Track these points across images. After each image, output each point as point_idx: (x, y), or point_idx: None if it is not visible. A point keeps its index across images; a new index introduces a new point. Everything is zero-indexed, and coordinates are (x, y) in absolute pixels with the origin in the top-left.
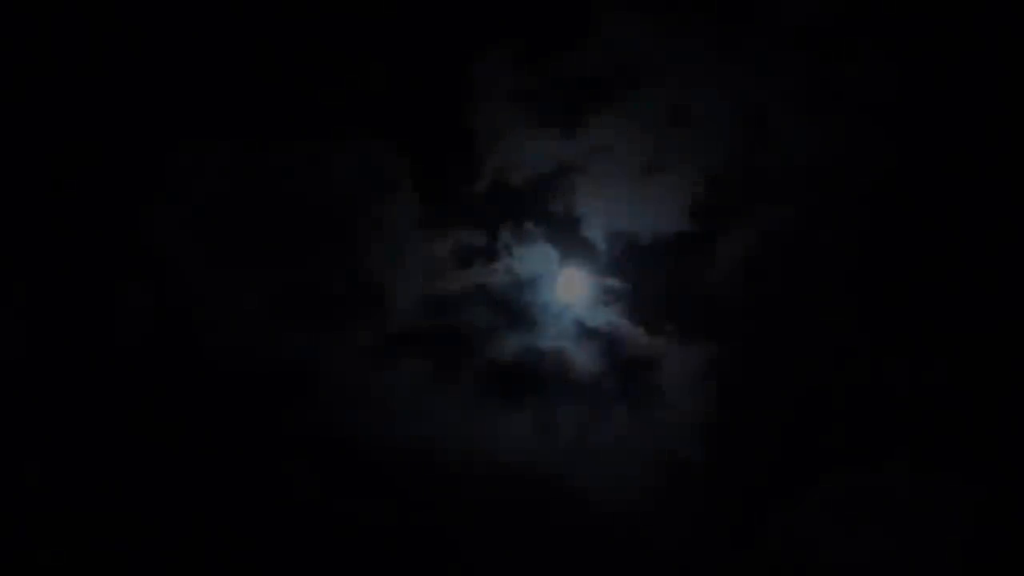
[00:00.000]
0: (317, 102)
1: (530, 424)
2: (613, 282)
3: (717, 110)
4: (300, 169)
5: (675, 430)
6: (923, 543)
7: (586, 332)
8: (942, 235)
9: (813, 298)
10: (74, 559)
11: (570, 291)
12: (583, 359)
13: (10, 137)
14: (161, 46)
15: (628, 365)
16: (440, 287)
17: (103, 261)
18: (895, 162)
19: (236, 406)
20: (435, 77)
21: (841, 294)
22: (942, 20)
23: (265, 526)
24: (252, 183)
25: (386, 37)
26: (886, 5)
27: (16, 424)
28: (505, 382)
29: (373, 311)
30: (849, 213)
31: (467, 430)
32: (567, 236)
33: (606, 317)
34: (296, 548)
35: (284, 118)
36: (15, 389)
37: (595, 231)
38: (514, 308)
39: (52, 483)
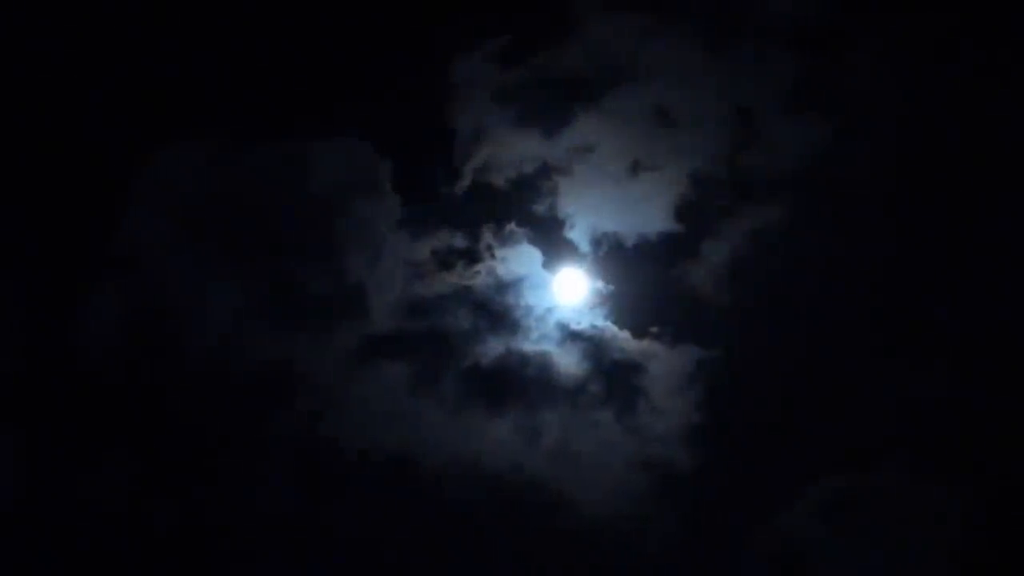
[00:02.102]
0: (296, 102)
1: (513, 429)
2: (598, 284)
3: (702, 110)
4: (279, 169)
5: (661, 434)
6: (913, 548)
7: (570, 335)
8: (933, 236)
9: (801, 300)
10: (54, 560)
11: (554, 293)
12: (567, 362)
13: None
14: (141, 47)
15: (613, 368)
16: (421, 289)
17: (81, 262)
18: (882, 162)
19: (214, 409)
20: (416, 76)
21: (829, 296)
22: (932, 21)
23: (244, 530)
24: (230, 184)
25: (367, 36)
26: (872, 6)
27: None
28: (488, 386)
29: (353, 313)
30: (837, 213)
31: (449, 434)
32: (551, 237)
33: (591, 320)
34: (276, 552)
35: (263, 118)
36: None
37: (579, 232)
38: (497, 311)
39: (29, 485)
